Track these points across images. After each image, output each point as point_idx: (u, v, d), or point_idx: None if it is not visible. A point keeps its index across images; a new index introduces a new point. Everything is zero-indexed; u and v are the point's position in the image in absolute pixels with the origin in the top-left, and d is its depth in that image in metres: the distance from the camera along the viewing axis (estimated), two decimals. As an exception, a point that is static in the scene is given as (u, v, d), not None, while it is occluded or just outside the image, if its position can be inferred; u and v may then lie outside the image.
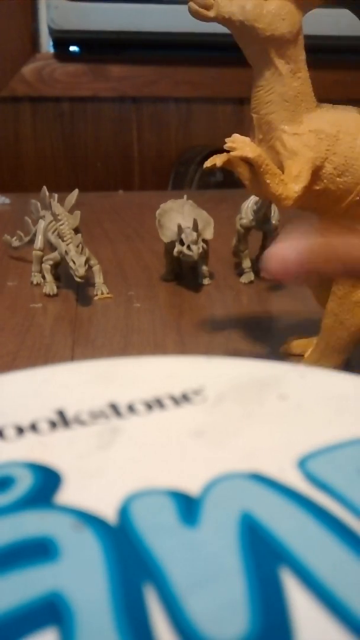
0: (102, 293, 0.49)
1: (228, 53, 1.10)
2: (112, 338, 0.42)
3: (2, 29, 1.09)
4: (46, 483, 0.14)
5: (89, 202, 0.80)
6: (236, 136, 0.30)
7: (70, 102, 1.14)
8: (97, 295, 0.49)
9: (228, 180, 1.00)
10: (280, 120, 0.30)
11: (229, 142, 0.29)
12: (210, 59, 1.12)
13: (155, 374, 0.19)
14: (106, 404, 0.17)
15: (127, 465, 0.15)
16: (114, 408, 0.17)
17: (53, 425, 0.16)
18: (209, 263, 0.52)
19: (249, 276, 0.52)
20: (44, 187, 0.53)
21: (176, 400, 0.18)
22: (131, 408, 0.17)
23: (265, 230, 0.52)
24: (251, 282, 0.52)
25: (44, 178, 1.08)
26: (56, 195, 0.52)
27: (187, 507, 0.13)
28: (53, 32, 1.07)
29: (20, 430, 0.16)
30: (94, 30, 1.06)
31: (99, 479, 0.14)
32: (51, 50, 1.13)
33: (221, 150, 0.30)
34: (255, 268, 0.53)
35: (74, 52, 1.14)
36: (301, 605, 0.11)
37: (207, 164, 0.32)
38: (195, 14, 0.29)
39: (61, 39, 1.10)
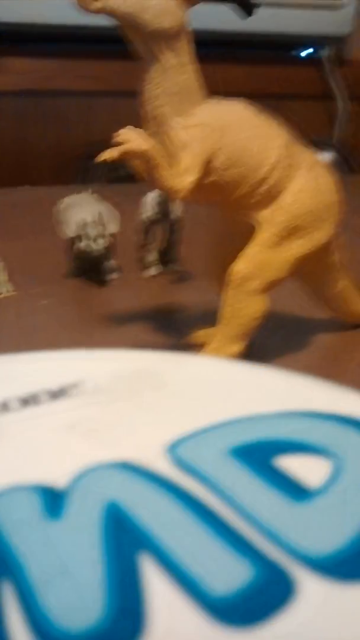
0: (7, 291, 0.48)
1: (129, 46, 1.09)
2: (16, 336, 0.41)
3: None
4: None
5: (-7, 199, 0.78)
6: (128, 129, 0.30)
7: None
8: (0, 293, 0.48)
9: (134, 175, 1.00)
10: (169, 114, 0.30)
11: (122, 135, 0.29)
12: (111, 52, 1.11)
13: (33, 369, 0.19)
14: None
15: None
16: None
17: None
18: (116, 257, 0.52)
19: (154, 269, 0.53)
20: None
21: (53, 395, 0.17)
22: (5, 406, 0.17)
23: (169, 222, 0.52)
24: (157, 275, 0.52)
25: None
26: None
27: (52, 500, 0.13)
28: None
29: None
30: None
31: None
32: None
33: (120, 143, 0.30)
34: (161, 261, 0.53)
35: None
36: (158, 588, 0.11)
37: (102, 157, 0.31)
38: (81, 5, 0.29)
39: None
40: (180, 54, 0.30)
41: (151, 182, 0.31)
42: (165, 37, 0.29)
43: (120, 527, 0.13)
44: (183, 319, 0.45)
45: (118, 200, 0.55)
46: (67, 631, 0.10)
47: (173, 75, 0.30)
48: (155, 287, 0.51)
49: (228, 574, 0.12)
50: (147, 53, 0.30)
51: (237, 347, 0.33)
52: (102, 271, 0.51)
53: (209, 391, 0.18)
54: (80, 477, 0.14)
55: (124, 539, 0.12)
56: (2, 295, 0.48)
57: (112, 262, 0.51)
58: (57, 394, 0.18)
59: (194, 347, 0.38)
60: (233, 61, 1.11)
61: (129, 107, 1.21)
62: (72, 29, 1.04)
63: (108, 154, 0.30)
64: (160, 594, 0.11)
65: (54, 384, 0.18)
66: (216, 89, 0.33)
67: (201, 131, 0.30)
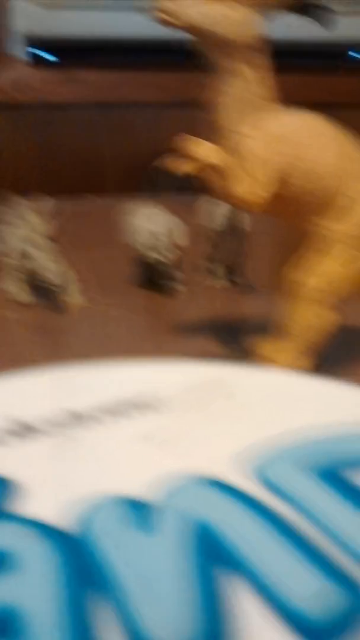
0: (76, 301, 0.49)
1: (196, 57, 1.10)
2: (88, 346, 0.42)
3: (-26, 37, 1.09)
4: (2, 493, 0.14)
5: (64, 209, 0.80)
6: (200, 142, 0.30)
7: (43, 109, 1.13)
8: (72, 304, 0.49)
9: (200, 186, 1.01)
10: (243, 125, 0.31)
11: (194, 148, 0.29)
12: (180, 64, 1.13)
13: (108, 380, 0.19)
14: (62, 412, 0.17)
15: (83, 473, 0.15)
16: (69, 416, 0.17)
17: (9, 434, 0.17)
18: (182, 269, 0.52)
19: (221, 281, 0.53)
20: (17, 196, 0.53)
21: (128, 407, 0.18)
22: (86, 416, 0.17)
23: (236, 234, 0.52)
24: (224, 287, 0.52)
25: (18, 185, 1.08)
26: (30, 203, 0.52)
27: (143, 514, 0.14)
28: (25, 39, 1.07)
29: None
30: (68, 37, 1.06)
31: (55, 488, 0.14)
32: (24, 57, 1.12)
33: (191, 156, 0.31)
34: (228, 273, 0.53)
35: (45, 59, 1.13)
36: (250, 609, 0.11)
37: (173, 169, 0.32)
38: (160, 21, 0.30)
39: (33, 46, 1.10)
40: (255, 65, 0.30)
41: (222, 194, 0.32)
42: (242, 49, 0.30)
43: (211, 544, 0.13)
44: (248, 330, 0.45)
45: (184, 211, 0.55)
46: None
47: (248, 86, 0.30)
48: (221, 298, 0.51)
49: (321, 599, 0.12)
50: (221, 65, 0.30)
51: (304, 361, 0.33)
52: (169, 282, 0.52)
53: (286, 405, 0.18)
54: (170, 492, 0.14)
55: (215, 557, 0.13)
56: (73, 306, 0.49)
57: (179, 273, 0.52)
58: (135, 405, 0.18)
59: (259, 359, 0.38)
60: (286, 70, 1.10)
61: (196, 117, 1.21)
62: (140, 41, 1.06)
63: (179, 166, 0.30)
64: (252, 615, 0.11)
65: (132, 395, 0.18)
66: (288, 99, 0.33)
67: (274, 143, 0.30)
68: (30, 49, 1.11)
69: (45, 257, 0.47)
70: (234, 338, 0.43)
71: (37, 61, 1.12)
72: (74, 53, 1.11)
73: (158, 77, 1.14)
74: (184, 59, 1.11)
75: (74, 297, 0.49)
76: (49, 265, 0.46)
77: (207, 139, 0.31)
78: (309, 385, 0.19)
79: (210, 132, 0.32)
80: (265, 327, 0.45)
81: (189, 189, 1.03)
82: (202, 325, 0.46)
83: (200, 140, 0.30)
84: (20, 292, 0.50)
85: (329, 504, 0.14)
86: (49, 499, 0.14)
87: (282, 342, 0.36)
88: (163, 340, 0.43)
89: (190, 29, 0.30)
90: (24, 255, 0.50)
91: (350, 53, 1.15)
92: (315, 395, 0.18)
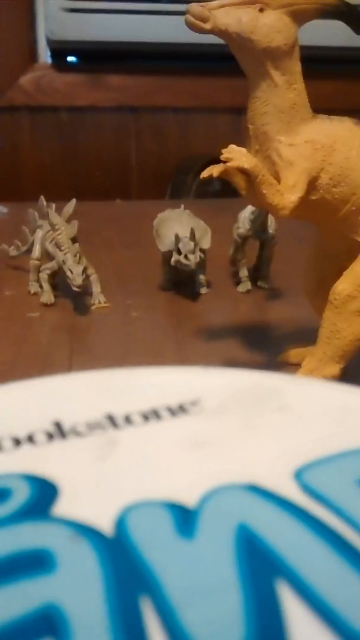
0: (100, 302, 0.49)
1: (227, 63, 1.10)
2: (110, 347, 0.42)
3: (0, 39, 1.10)
4: (43, 495, 0.14)
5: (88, 211, 0.80)
6: (232, 147, 0.30)
7: (69, 112, 1.14)
8: (94, 304, 0.49)
9: (226, 190, 1.01)
10: (276, 131, 0.30)
11: (225, 153, 0.29)
12: (209, 69, 1.13)
13: (152, 384, 0.19)
14: (103, 415, 0.17)
15: (123, 476, 0.15)
16: (111, 419, 0.17)
17: (50, 436, 0.16)
18: (207, 272, 0.52)
19: (246, 285, 0.52)
20: (42, 197, 0.53)
21: (173, 411, 0.18)
22: (128, 419, 0.17)
23: (262, 239, 0.52)
24: (248, 291, 0.52)
25: (43, 187, 1.09)
26: (54, 205, 0.52)
27: (184, 518, 0.13)
28: (51, 43, 1.08)
29: (17, 442, 0.16)
30: (92, 41, 1.07)
31: (95, 490, 0.14)
32: (49, 60, 1.13)
33: (219, 160, 0.31)
34: (253, 277, 0.53)
35: (71, 62, 1.14)
36: (298, 618, 0.11)
37: (204, 174, 0.32)
38: (191, 26, 0.30)
39: (59, 49, 1.11)
40: (289, 72, 0.30)
41: (253, 199, 0.31)
42: (276, 56, 0.29)
43: (253, 550, 0.13)
44: (275, 336, 0.45)
45: (208, 215, 0.55)
46: None
47: (281, 93, 0.30)
48: (246, 302, 0.51)
49: None
50: (255, 71, 0.30)
51: (335, 369, 0.32)
52: (193, 285, 0.52)
53: (333, 417, 0.18)
54: (210, 497, 0.14)
55: (259, 564, 0.12)
56: (95, 307, 0.49)
57: (203, 277, 0.52)
58: (176, 411, 0.18)
59: (287, 366, 0.37)
60: (320, 77, 1.10)
61: (225, 123, 1.22)
62: (170, 46, 1.07)
63: (215, 170, 0.30)
64: (300, 623, 0.11)
65: (173, 400, 0.18)
66: (321, 105, 0.33)
67: (307, 149, 0.30)
68: (56, 53, 1.12)
69: (70, 258, 0.47)
70: (258, 343, 0.42)
71: (62, 64, 1.12)
72: (100, 57, 1.11)
73: (187, 82, 1.14)
74: (214, 65, 1.11)
75: (97, 298, 0.49)
76: (73, 267, 0.46)
77: (244, 144, 0.31)
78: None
79: (236, 135, 0.32)
80: (289, 334, 0.45)
81: (216, 194, 1.03)
82: (225, 330, 0.45)
83: (233, 145, 0.30)
84: (44, 292, 0.50)
85: None
86: (88, 501, 0.14)
87: (310, 349, 0.35)
88: (187, 343, 0.43)
89: (220, 33, 0.29)
90: (48, 256, 0.50)
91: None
92: None
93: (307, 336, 0.40)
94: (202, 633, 0.11)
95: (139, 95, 1.14)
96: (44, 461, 0.15)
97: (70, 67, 1.13)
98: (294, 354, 0.38)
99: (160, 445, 0.16)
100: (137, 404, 0.18)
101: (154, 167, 1.17)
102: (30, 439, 0.16)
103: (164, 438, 0.16)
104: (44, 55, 1.13)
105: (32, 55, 1.12)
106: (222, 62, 1.14)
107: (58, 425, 0.17)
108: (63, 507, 0.14)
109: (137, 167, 1.18)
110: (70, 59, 1.14)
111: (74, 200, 0.53)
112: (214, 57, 1.09)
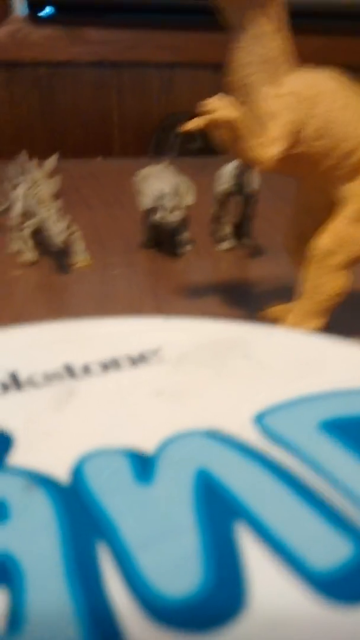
0: (82, 260, 0.49)
1: (212, 17, 1.08)
2: (89, 305, 0.42)
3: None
4: None
5: (68, 169, 0.79)
6: (215, 98, 0.29)
7: (47, 67, 1.11)
8: (76, 262, 0.48)
9: (209, 147, 0.99)
10: (260, 82, 0.30)
11: (208, 105, 0.29)
12: (193, 23, 1.10)
13: (111, 334, 0.19)
14: (60, 366, 0.17)
15: (81, 426, 0.15)
16: (69, 369, 0.17)
17: (5, 387, 0.16)
18: (189, 230, 0.52)
19: (228, 243, 0.52)
20: (23, 151, 0.52)
21: (133, 361, 0.17)
22: (86, 369, 0.17)
23: (245, 195, 0.52)
24: (231, 249, 0.52)
25: (20, 145, 1.06)
26: (35, 161, 0.51)
27: (142, 465, 0.13)
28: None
29: None
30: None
31: (52, 440, 0.14)
32: (25, 13, 1.10)
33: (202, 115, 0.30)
34: (235, 235, 0.53)
35: (49, 15, 1.11)
36: (256, 558, 0.11)
37: (188, 126, 0.31)
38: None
39: (35, 1, 1.07)
40: (273, 20, 0.29)
41: (236, 152, 0.31)
42: (259, 3, 0.29)
43: (212, 494, 0.13)
44: (257, 293, 0.45)
45: (191, 172, 0.54)
46: (166, 597, 0.10)
47: (264, 42, 0.29)
48: (229, 260, 0.50)
49: (327, 548, 0.11)
50: (238, 20, 0.30)
51: (317, 323, 0.33)
52: (176, 243, 0.51)
53: (295, 363, 0.18)
54: (169, 443, 0.14)
55: (217, 507, 0.12)
56: (78, 265, 0.48)
57: (186, 235, 0.51)
58: (137, 360, 0.18)
59: (269, 322, 0.37)
60: (316, 32, 1.08)
61: (209, 79, 1.19)
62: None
63: (194, 123, 0.30)
64: (259, 564, 0.11)
65: (134, 350, 0.18)
66: (309, 61, 0.32)
67: (291, 100, 0.30)
68: (32, 4, 1.08)
69: (50, 215, 0.46)
70: (240, 300, 0.42)
71: (39, 17, 1.09)
72: (79, 9, 1.08)
73: (170, 37, 1.11)
74: (198, 19, 1.08)
75: (78, 255, 0.49)
76: (54, 224, 0.45)
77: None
78: (327, 346, 0.19)
79: (224, 91, 0.31)
80: (272, 290, 0.45)
81: (199, 152, 1.01)
82: (206, 287, 0.45)
83: (216, 96, 0.29)
84: (24, 250, 0.49)
85: (332, 453, 0.14)
86: (44, 450, 0.14)
87: (292, 304, 0.36)
88: (166, 300, 0.43)
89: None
90: (29, 214, 0.49)
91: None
92: (333, 356, 0.18)
93: (289, 293, 0.40)
94: (158, 576, 0.11)
95: (120, 50, 1.11)
96: None
97: (48, 20, 1.10)
98: (275, 310, 0.38)
99: (120, 395, 0.16)
100: (96, 354, 0.17)
101: (137, 124, 1.15)
102: None
103: (123, 387, 0.16)
104: (19, 8, 1.10)
105: (6, 8, 1.08)
106: (207, 16, 1.11)
107: (13, 377, 0.17)
108: (18, 457, 0.14)
109: (119, 124, 1.16)
110: (47, 11, 1.10)
111: (55, 156, 0.52)
112: (198, 10, 1.06)
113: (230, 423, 0.15)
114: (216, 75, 1.21)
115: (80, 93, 1.13)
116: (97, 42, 1.10)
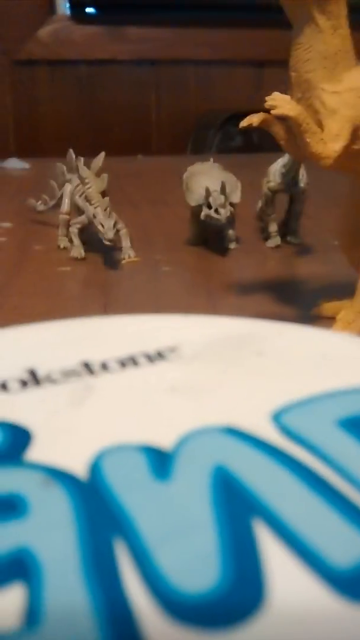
0: (130, 257, 0.49)
1: (248, 14, 1.08)
2: (143, 301, 0.42)
3: (18, -10, 1.07)
4: (15, 441, 0.14)
5: (109, 167, 0.80)
6: (276, 94, 0.29)
7: (88, 65, 1.12)
8: (124, 259, 0.49)
9: (248, 145, 0.99)
10: (320, 79, 0.30)
11: (270, 101, 0.29)
12: (230, 20, 1.10)
13: (129, 331, 0.19)
14: (78, 363, 0.17)
15: (99, 422, 0.15)
16: (87, 366, 0.17)
17: (24, 384, 0.16)
18: (236, 227, 0.52)
19: (275, 240, 0.52)
20: (71, 150, 0.52)
21: (150, 358, 0.17)
22: (104, 366, 0.17)
23: (293, 193, 0.51)
24: (278, 246, 0.52)
25: (62, 143, 1.08)
26: (82, 159, 0.51)
27: (160, 461, 0.13)
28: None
29: None
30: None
31: (70, 436, 0.14)
32: (68, 12, 1.11)
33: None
34: (281, 232, 0.53)
35: (90, 14, 1.12)
36: (274, 555, 0.11)
37: (244, 123, 0.31)
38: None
39: (77, 1, 1.08)
40: (334, 16, 0.29)
41: (293, 149, 0.31)
42: (319, 1, 0.29)
43: (230, 491, 0.12)
44: (305, 290, 0.45)
45: (232, 170, 0.54)
46: (185, 593, 0.10)
47: (325, 38, 0.29)
48: (277, 258, 0.50)
49: (346, 545, 0.11)
50: (299, 16, 0.30)
51: (371, 321, 0.33)
52: (222, 240, 0.52)
53: (312, 361, 0.17)
54: (186, 440, 0.14)
55: (235, 503, 0.12)
56: (125, 261, 0.49)
57: (232, 232, 0.51)
58: (154, 357, 0.17)
59: (322, 319, 0.37)
60: None
61: (246, 76, 1.19)
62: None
63: (252, 120, 0.30)
64: (277, 561, 0.11)
65: (151, 346, 0.18)
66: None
67: (351, 96, 0.29)
68: (74, 4, 1.09)
69: (100, 212, 0.47)
70: (289, 298, 0.42)
71: (81, 16, 1.10)
72: (119, 8, 1.09)
73: (207, 34, 1.11)
74: (235, 16, 1.08)
75: (127, 252, 0.49)
76: (104, 220, 0.46)
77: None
78: (345, 342, 0.18)
79: (263, 90, 0.31)
80: (320, 288, 0.44)
81: (238, 149, 1.01)
82: (256, 284, 0.45)
83: (277, 92, 0.29)
84: (74, 247, 0.50)
85: (351, 451, 0.14)
86: (63, 446, 0.14)
87: (346, 302, 0.35)
88: (217, 297, 0.43)
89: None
90: (77, 210, 0.50)
91: None
92: (352, 355, 0.18)
93: (338, 291, 0.40)
94: (176, 572, 0.11)
95: (158, 48, 1.12)
96: (17, 408, 0.15)
97: (89, 19, 1.11)
98: (328, 307, 0.38)
99: (137, 391, 0.16)
100: (113, 351, 0.17)
101: (174, 122, 1.15)
102: (4, 386, 0.16)
103: (140, 384, 0.16)
104: (62, 7, 1.11)
105: (50, 7, 1.10)
106: (243, 13, 1.11)
107: (32, 373, 0.17)
108: (36, 453, 0.14)
109: (157, 122, 1.16)
110: (89, 10, 1.11)
111: (102, 154, 0.52)
112: (234, 7, 1.06)
113: (248, 420, 0.15)
114: (252, 72, 1.20)
115: (119, 91, 1.14)
116: (137, 40, 1.11)
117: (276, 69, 1.10)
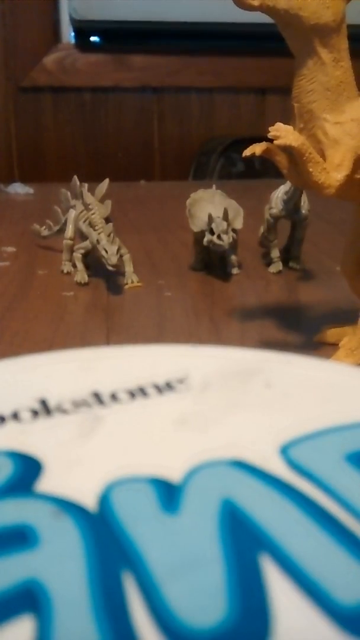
0: (133, 282, 0.49)
1: (250, 42, 1.10)
2: (146, 326, 0.42)
3: (24, 19, 1.09)
4: (26, 471, 0.14)
5: (112, 192, 0.81)
6: (279, 125, 0.30)
7: (92, 92, 1.14)
8: (127, 284, 0.49)
9: (249, 171, 1.00)
10: (322, 109, 0.30)
11: (273, 131, 0.29)
12: (232, 48, 1.12)
13: (139, 362, 0.19)
14: (89, 393, 0.17)
15: (108, 453, 0.15)
16: (97, 397, 0.17)
17: (35, 414, 0.16)
18: (239, 252, 0.52)
19: (277, 266, 0.52)
20: (75, 177, 0.53)
21: (160, 389, 0.17)
22: (114, 397, 0.17)
23: (295, 219, 0.52)
24: (280, 271, 0.52)
25: (65, 168, 1.09)
26: (86, 185, 0.52)
27: (168, 494, 0.13)
28: (74, 22, 1.07)
29: (1, 419, 0.16)
30: (115, 20, 1.06)
31: (80, 467, 0.14)
32: (72, 40, 1.13)
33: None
34: (283, 258, 0.53)
35: (95, 42, 1.13)
36: (281, 591, 0.11)
37: (247, 152, 0.32)
38: (239, 3, 0.29)
39: (82, 29, 1.10)
40: (336, 49, 0.30)
41: (296, 178, 0.31)
42: (324, 32, 0.29)
43: (237, 525, 0.12)
44: (308, 316, 0.45)
45: (234, 196, 0.55)
46: (192, 628, 0.10)
47: (327, 70, 0.30)
48: (279, 283, 0.51)
49: (352, 581, 0.11)
50: (302, 48, 0.30)
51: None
52: (225, 266, 0.52)
53: (319, 393, 0.17)
54: (194, 472, 0.14)
55: (243, 538, 0.12)
56: (128, 286, 0.49)
57: (234, 257, 0.52)
58: (163, 388, 0.18)
59: (325, 346, 0.37)
60: None
61: (248, 103, 1.20)
62: (193, 25, 1.06)
63: (258, 148, 0.30)
64: (284, 597, 0.11)
65: (160, 377, 0.18)
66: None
67: (353, 127, 0.30)
68: (79, 32, 1.11)
69: (104, 237, 0.47)
70: (291, 324, 0.43)
71: (85, 44, 1.12)
72: (123, 37, 1.10)
73: (210, 62, 1.13)
74: (237, 44, 1.10)
75: (130, 277, 0.49)
76: (108, 246, 0.46)
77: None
78: (351, 375, 0.18)
79: (266, 118, 0.32)
80: (322, 314, 0.45)
81: (240, 175, 1.02)
82: (259, 310, 0.46)
83: (280, 123, 0.30)
84: (78, 272, 0.50)
85: (357, 485, 0.14)
86: (73, 477, 0.14)
87: (348, 329, 0.36)
88: (221, 322, 0.43)
89: (268, 10, 0.29)
90: (81, 236, 0.50)
91: None
92: (358, 385, 0.18)
93: (340, 317, 0.40)
94: (184, 607, 0.11)
95: (161, 76, 1.13)
96: (28, 438, 0.15)
97: (94, 47, 1.13)
98: (331, 333, 0.38)
99: (146, 422, 0.16)
100: (123, 382, 0.18)
101: (177, 148, 1.17)
102: (15, 416, 0.16)
103: (149, 415, 0.16)
104: (67, 35, 1.13)
105: (55, 35, 1.11)
106: (245, 42, 1.13)
107: (43, 403, 0.17)
108: (47, 484, 0.14)
109: (160, 148, 1.17)
110: (94, 38, 1.13)
111: (106, 181, 0.53)
112: (237, 36, 1.08)
113: (256, 454, 0.15)
114: (255, 99, 1.22)
115: (123, 117, 1.15)
116: (140, 68, 1.13)
117: (278, 96, 1.12)
